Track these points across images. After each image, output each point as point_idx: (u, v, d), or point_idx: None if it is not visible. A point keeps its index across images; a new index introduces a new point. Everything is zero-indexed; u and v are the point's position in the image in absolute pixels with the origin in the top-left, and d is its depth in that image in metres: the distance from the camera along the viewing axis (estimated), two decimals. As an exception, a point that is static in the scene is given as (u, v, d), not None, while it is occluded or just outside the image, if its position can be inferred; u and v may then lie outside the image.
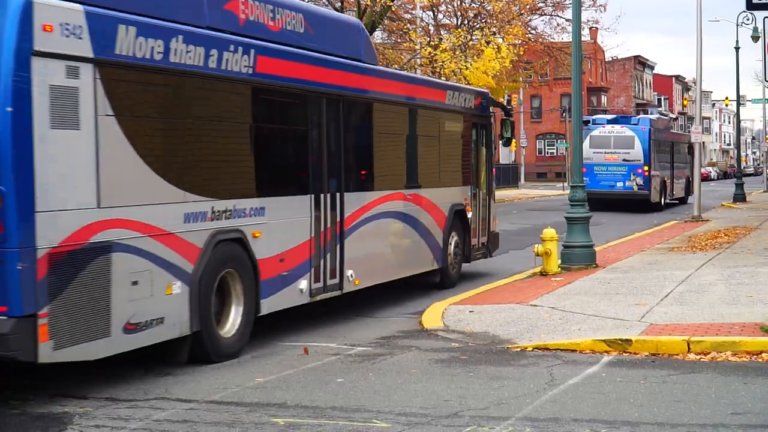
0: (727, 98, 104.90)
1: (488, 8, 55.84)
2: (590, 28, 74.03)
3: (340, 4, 48.70)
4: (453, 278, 21.43)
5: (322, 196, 16.09)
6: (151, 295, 12.13)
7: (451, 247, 21.28)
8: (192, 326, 12.98)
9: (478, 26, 56.05)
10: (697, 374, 12.65)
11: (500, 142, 25.22)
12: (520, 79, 69.48)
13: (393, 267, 18.94)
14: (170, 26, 12.57)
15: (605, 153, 48.88)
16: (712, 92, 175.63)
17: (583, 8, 61.39)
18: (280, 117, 15.47)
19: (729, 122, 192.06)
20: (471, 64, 49.16)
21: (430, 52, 48.82)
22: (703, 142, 77.70)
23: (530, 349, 14.39)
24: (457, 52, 49.52)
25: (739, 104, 68.65)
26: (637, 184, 48.95)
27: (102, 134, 11.30)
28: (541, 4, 62.78)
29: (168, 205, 12.46)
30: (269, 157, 14.92)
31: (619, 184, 49.04)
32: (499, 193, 43.71)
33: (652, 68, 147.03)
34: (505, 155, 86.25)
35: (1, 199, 10.18)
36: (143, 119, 12.13)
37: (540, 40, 63.69)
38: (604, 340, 14.31)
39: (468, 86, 24.28)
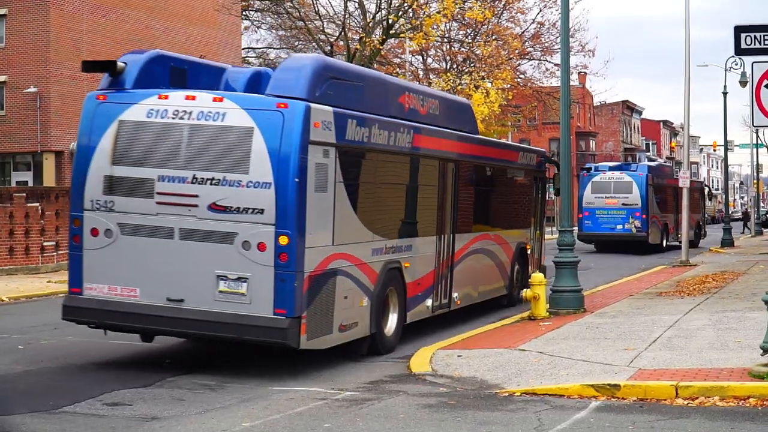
0: (715, 143, 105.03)
1: (477, 53, 56.08)
2: (579, 73, 74.42)
3: (329, 48, 48.94)
4: (515, 301, 26.08)
5: (442, 236, 21.21)
6: (353, 306, 17.09)
7: (515, 277, 26.37)
8: (371, 329, 17.88)
9: (466, 70, 56.27)
10: (685, 419, 12.63)
11: (552, 192, 30.98)
12: (509, 123, 69.67)
13: (481, 291, 23.98)
14: (372, 117, 17.73)
15: (605, 197, 52.41)
16: (699, 137, 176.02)
17: (571, 53, 61.69)
18: (421, 178, 20.24)
19: (717, 167, 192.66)
20: (460, 109, 49.30)
21: (419, 97, 48.99)
22: (708, 188, 78.42)
23: (518, 394, 14.36)
24: (446, 97, 49.68)
25: (726, 149, 68.92)
26: (635, 226, 51.96)
27: (336, 195, 16.34)
28: (530, 49, 63.08)
29: (364, 243, 17.50)
30: (415, 207, 19.97)
31: (619, 227, 52.26)
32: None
33: (640, 113, 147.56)
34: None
35: (289, 239, 15.12)
36: (354, 183, 17.11)
37: (529, 84, 63.99)
38: (592, 385, 14.29)
39: (530, 147, 31.11)
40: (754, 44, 16.14)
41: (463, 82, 52.71)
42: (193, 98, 15.87)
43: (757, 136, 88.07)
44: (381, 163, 18.29)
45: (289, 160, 15.17)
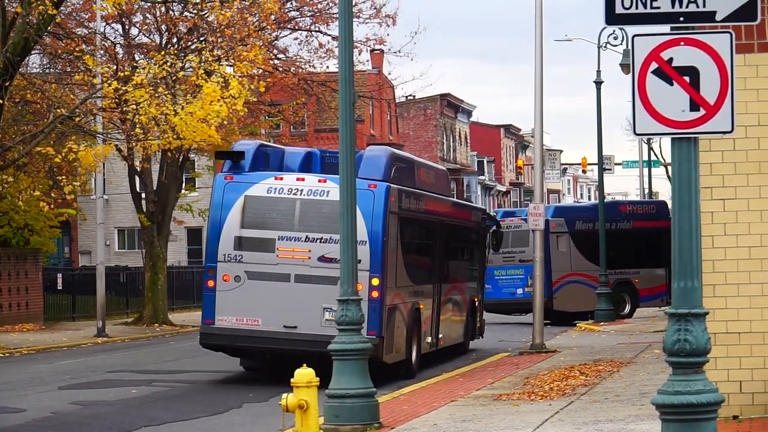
0: (585, 161, 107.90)
1: (210, 19, 56.11)
2: (372, 51, 75.35)
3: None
4: (467, 349, 46.13)
5: (435, 284, 40.32)
6: (400, 335, 35.37)
7: (469, 326, 45.89)
8: (406, 355, 36.46)
9: (193, 47, 56.26)
10: None
11: (491, 249, 51.04)
12: (262, 130, 69.91)
13: (452, 336, 43.19)
14: (407, 190, 36.17)
15: (503, 254, 58.48)
16: (561, 151, 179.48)
17: (360, 19, 62.47)
18: (427, 235, 40.21)
19: (591, 197, 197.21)
20: (183, 108, 48.87)
21: (117, 89, 48.47)
22: None
23: None
24: (160, 89, 49.31)
25: (602, 169, 67.30)
26: None
27: (397, 250, 35.53)
28: (294, 14, 63.66)
29: (405, 287, 35.24)
30: (425, 259, 39.96)
31: (519, 291, 59.56)
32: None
33: (470, 114, 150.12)
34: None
35: (379, 280, 33.43)
36: (402, 241, 36.00)
37: (293, 69, 64.25)
38: None
39: (475, 205, 48.89)
40: (636, 7, 16.43)
41: (187, 66, 52.47)
42: (303, 180, 33.95)
43: (650, 150, 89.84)
44: (410, 224, 36.88)
45: (380, 225, 33.25)
